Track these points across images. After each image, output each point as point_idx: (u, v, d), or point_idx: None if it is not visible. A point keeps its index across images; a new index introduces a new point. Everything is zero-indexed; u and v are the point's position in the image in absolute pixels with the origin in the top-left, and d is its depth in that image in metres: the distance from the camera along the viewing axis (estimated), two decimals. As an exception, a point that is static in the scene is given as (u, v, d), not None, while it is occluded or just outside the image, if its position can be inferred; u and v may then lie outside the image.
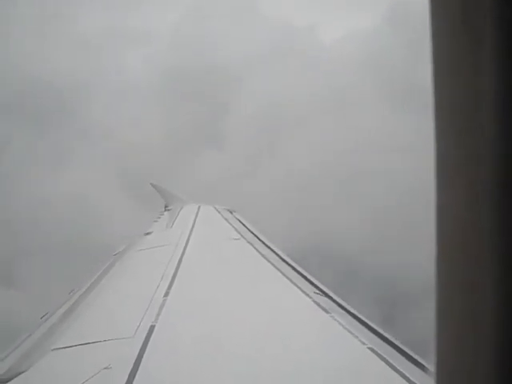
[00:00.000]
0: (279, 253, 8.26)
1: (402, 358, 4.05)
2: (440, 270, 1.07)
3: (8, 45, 34.97)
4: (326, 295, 5.82)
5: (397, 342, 4.36)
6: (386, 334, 4.55)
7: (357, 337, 4.32)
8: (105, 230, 26.10)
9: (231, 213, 13.09)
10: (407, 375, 3.57)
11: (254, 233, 10.23)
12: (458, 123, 1.04)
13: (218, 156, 34.54)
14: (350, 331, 4.46)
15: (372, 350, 4.04)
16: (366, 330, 4.68)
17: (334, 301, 5.58)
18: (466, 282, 1.02)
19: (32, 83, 33.14)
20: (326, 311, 5.05)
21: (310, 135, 33.66)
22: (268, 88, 35.72)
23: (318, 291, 5.98)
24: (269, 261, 7.54)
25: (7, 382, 3.91)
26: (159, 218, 13.46)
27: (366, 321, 4.90)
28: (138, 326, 4.56)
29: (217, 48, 36.78)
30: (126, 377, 3.51)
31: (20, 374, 4.01)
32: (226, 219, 12.09)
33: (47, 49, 35.55)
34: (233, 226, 11.02)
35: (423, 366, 3.88)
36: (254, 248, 8.56)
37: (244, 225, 11.32)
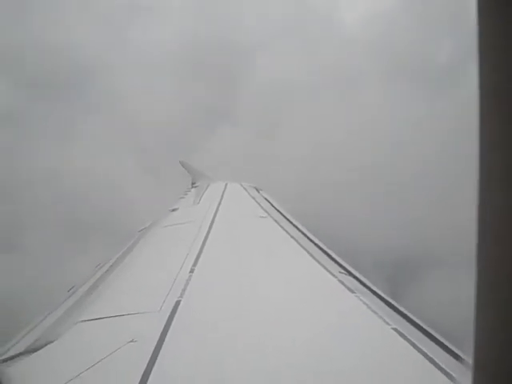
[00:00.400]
0: (306, 232, 8.25)
1: (427, 340, 4.03)
2: (480, 264, 1.05)
3: (27, 18, 34.91)
4: (352, 275, 5.81)
5: (422, 324, 4.33)
6: (410, 315, 4.53)
7: (381, 317, 4.31)
8: (118, 203, 26.21)
9: (258, 191, 13.12)
10: (431, 356, 3.55)
11: (281, 211, 10.23)
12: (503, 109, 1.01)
13: (231, 131, 34.15)
14: (374, 311, 4.45)
15: (396, 330, 4.03)
16: (390, 311, 4.66)
17: (360, 280, 5.57)
18: (507, 275, 1.00)
19: (45, 56, 33.06)
20: (351, 291, 5.04)
21: (321, 111, 33.18)
22: (284, 64, 35.06)
23: (343, 271, 5.97)
24: (295, 239, 7.54)
25: (36, 351, 3.99)
26: (186, 194, 13.52)
27: (391, 301, 4.88)
28: (164, 301, 4.60)
29: (233, 24, 36.16)
30: (151, 351, 3.55)
31: (48, 343, 4.09)
32: (252, 197, 12.11)
33: (62, 21, 35.31)
34: (259, 204, 11.03)
35: (448, 348, 3.86)
36: (281, 226, 8.56)
37: (271, 203, 11.33)
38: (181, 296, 4.74)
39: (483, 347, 1.06)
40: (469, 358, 1.09)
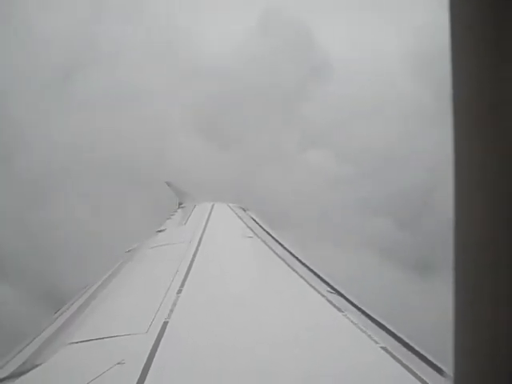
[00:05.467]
0: (292, 251, 8.26)
1: (415, 358, 4.04)
2: (458, 280, 1.06)
3: None
4: (340, 294, 5.82)
5: (410, 342, 4.35)
6: (399, 334, 4.54)
7: (370, 336, 4.32)
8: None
9: (245, 211, 13.15)
10: (420, 375, 3.57)
11: (268, 231, 10.24)
12: (477, 124, 1.03)
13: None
14: (362, 330, 4.46)
15: (385, 349, 4.04)
16: (379, 329, 4.67)
17: (347, 299, 5.57)
18: (483, 289, 1.02)
19: None
20: (340, 310, 5.05)
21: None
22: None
23: (331, 290, 5.98)
24: (282, 259, 7.55)
25: (23, 374, 3.95)
26: (173, 215, 13.51)
27: (380, 320, 4.89)
28: (152, 322, 4.58)
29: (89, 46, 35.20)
30: (139, 372, 3.53)
31: (36, 366, 4.05)
32: (239, 217, 12.13)
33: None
34: (246, 224, 11.04)
35: (436, 366, 3.87)
36: (268, 246, 8.57)
37: (257, 223, 11.34)
38: (168, 317, 4.72)
39: (462, 362, 1.07)
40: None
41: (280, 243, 8.96)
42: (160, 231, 10.83)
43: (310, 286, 6.02)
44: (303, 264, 7.36)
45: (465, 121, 1.04)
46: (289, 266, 7.11)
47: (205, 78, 34.90)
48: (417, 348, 4.23)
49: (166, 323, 4.56)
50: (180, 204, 15.30)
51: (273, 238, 9.50)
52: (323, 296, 5.57)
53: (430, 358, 4.02)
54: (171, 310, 4.91)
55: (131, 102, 33.15)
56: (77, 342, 4.44)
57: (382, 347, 4.08)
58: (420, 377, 3.55)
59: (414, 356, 4.09)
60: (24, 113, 31.96)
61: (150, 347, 3.99)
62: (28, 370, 4.00)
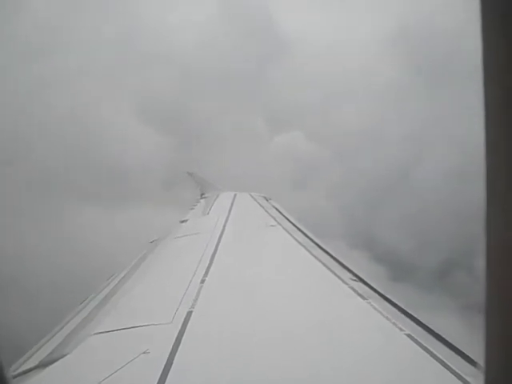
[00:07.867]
0: (316, 240, 8.25)
1: (440, 345, 4.02)
2: (489, 269, 1.05)
3: None
4: (363, 281, 5.80)
5: (435, 329, 4.32)
6: (423, 321, 4.51)
7: (394, 323, 4.30)
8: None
9: (267, 200, 13.15)
10: (445, 361, 3.55)
11: (291, 220, 10.24)
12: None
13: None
14: (387, 317, 4.45)
15: (409, 336, 4.02)
16: (403, 317, 4.65)
17: (371, 287, 5.56)
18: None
19: None
20: (363, 297, 5.04)
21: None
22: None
23: (354, 277, 5.97)
24: (305, 248, 7.54)
25: (50, 364, 4.01)
26: (195, 205, 13.56)
27: (404, 307, 4.87)
28: (176, 312, 4.62)
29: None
30: (164, 362, 3.56)
31: (62, 356, 4.10)
32: (262, 206, 12.14)
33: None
34: (269, 213, 11.05)
35: (462, 352, 3.84)
36: (291, 235, 8.57)
37: (280, 212, 11.34)
38: (192, 307, 4.75)
39: (493, 355, 1.06)
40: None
41: (303, 232, 8.95)
42: (183, 221, 10.88)
43: (334, 273, 6.02)
44: (326, 252, 7.35)
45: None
46: (312, 254, 7.11)
47: (164, 65, 35.19)
48: (441, 334, 4.20)
49: (190, 313, 4.59)
50: (202, 194, 15.35)
51: (295, 226, 9.49)
52: (346, 284, 5.56)
53: (453, 343, 4.00)
54: (195, 300, 4.94)
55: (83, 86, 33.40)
56: (102, 332, 4.49)
57: (406, 334, 4.06)
58: (444, 362, 3.54)
59: (438, 342, 4.07)
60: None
61: (175, 337, 4.02)
62: (55, 360, 4.06)
